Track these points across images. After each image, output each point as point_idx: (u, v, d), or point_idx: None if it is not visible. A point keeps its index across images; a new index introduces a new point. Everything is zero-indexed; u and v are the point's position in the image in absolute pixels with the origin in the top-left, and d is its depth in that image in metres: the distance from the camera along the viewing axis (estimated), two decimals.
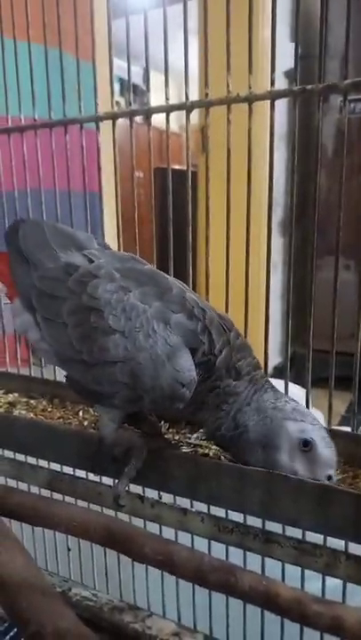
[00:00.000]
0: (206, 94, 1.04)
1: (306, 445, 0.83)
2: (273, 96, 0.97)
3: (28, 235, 1.01)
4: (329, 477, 0.83)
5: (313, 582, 1.02)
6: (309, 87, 0.95)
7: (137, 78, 5.28)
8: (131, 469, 0.95)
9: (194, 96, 1.08)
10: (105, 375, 0.89)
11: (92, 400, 0.98)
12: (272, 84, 0.98)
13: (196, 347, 0.86)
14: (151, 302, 0.87)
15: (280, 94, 0.97)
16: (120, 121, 1.18)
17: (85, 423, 1.20)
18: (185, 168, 1.14)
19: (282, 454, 0.84)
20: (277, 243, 3.65)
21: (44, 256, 0.97)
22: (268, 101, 0.98)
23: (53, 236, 1.00)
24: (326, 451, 0.83)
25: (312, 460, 0.83)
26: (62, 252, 0.97)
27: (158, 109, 1.10)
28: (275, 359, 0.98)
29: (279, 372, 1.15)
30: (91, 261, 0.95)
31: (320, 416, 1.92)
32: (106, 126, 1.20)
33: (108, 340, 0.87)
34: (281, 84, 1.00)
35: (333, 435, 0.99)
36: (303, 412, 0.86)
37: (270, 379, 1.07)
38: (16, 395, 1.39)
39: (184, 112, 1.07)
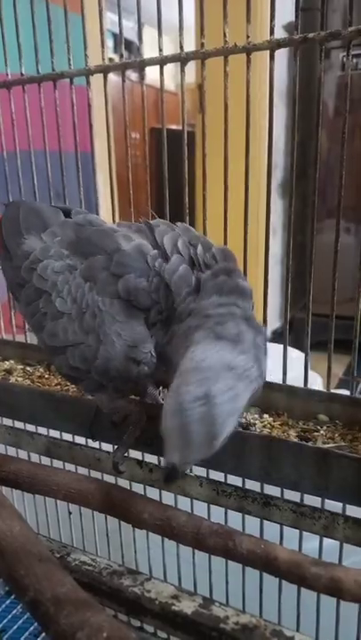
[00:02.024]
0: (202, 44, 0.98)
1: None
2: (272, 46, 0.92)
3: (6, 221, 0.97)
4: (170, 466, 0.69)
5: (310, 542, 1.03)
6: (311, 35, 0.89)
7: (131, 34, 5.07)
8: (129, 436, 0.95)
9: (190, 49, 1.02)
10: (62, 362, 0.84)
11: (72, 384, 0.94)
12: (271, 32, 0.92)
13: (149, 306, 0.77)
14: (97, 275, 0.80)
15: (280, 44, 0.91)
16: (113, 79, 1.12)
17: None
18: (181, 128, 1.09)
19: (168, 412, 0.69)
20: (277, 205, 3.57)
21: (16, 244, 0.93)
22: (267, 53, 0.93)
23: (25, 219, 0.95)
24: (175, 424, 0.66)
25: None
26: (28, 236, 0.92)
27: (152, 61, 1.04)
28: (274, 323, 0.96)
29: (278, 336, 1.13)
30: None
31: (318, 379, 1.92)
32: (97, 82, 1.14)
33: (57, 324, 0.83)
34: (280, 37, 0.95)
35: (332, 398, 0.99)
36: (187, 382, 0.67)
37: (270, 343, 1.06)
38: (12, 362, 1.38)
39: (179, 70, 1.01)
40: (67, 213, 0.97)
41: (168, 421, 0.66)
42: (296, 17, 0.95)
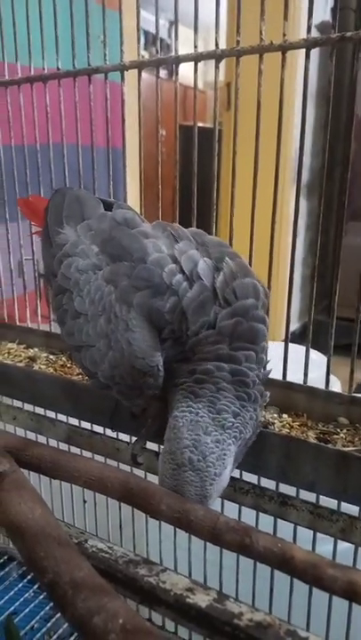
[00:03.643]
0: (238, 42, 0.97)
1: None
2: (309, 44, 0.91)
3: (52, 208, 0.97)
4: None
5: (323, 546, 1.03)
6: (349, 34, 0.88)
7: (162, 32, 5.08)
8: (148, 429, 0.96)
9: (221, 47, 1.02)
10: (77, 359, 0.86)
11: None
12: (308, 30, 0.91)
13: (162, 326, 0.76)
14: (119, 281, 0.78)
15: (317, 42, 0.90)
16: (145, 77, 1.13)
17: None
18: (208, 126, 1.10)
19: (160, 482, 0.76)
20: (300, 206, 3.55)
21: (56, 233, 0.93)
22: (298, 54, 0.92)
23: (67, 207, 0.94)
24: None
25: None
26: (65, 226, 0.92)
27: (186, 58, 1.04)
28: (292, 325, 0.95)
29: (296, 338, 1.13)
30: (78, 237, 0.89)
31: (337, 383, 1.91)
32: (130, 78, 1.15)
33: (74, 323, 0.83)
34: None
35: (353, 401, 0.98)
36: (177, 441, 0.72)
37: (291, 344, 1.06)
38: (36, 350, 1.40)
39: (209, 68, 1.01)
40: (108, 206, 0.95)
41: (165, 484, 0.73)
42: (334, 16, 0.95)
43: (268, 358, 0.82)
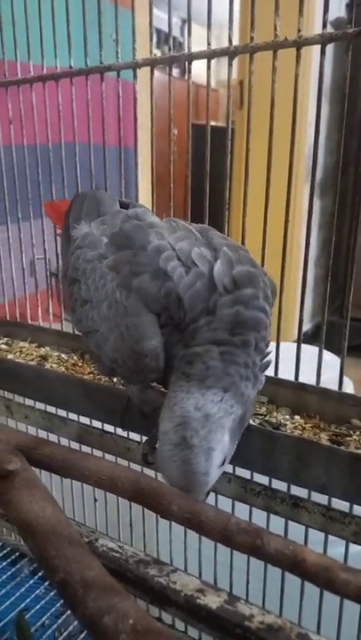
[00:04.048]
0: (252, 38, 0.97)
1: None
2: (324, 40, 0.90)
3: (74, 207, 1.00)
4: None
5: (334, 548, 1.02)
6: None
7: (175, 30, 5.08)
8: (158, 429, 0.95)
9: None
10: (85, 345, 0.89)
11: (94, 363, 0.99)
12: (324, 25, 0.90)
13: (157, 311, 0.77)
14: (120, 268, 0.80)
15: (333, 38, 0.89)
16: (157, 76, 1.12)
17: (115, 379, 1.20)
18: (220, 124, 1.09)
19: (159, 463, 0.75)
20: (313, 204, 3.53)
21: (72, 229, 0.96)
22: (311, 51, 0.91)
23: (88, 205, 0.98)
24: (168, 473, 0.73)
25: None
26: (81, 222, 0.96)
27: (199, 55, 1.04)
28: (304, 325, 0.94)
29: (308, 339, 1.12)
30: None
31: (350, 384, 1.89)
32: (143, 77, 1.15)
33: (82, 310, 0.87)
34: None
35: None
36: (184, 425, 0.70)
37: (303, 345, 1.05)
38: (48, 349, 1.40)
39: (221, 67, 1.01)
40: (125, 206, 0.99)
41: (164, 465, 0.72)
42: (351, 10, 0.94)
43: (270, 349, 0.81)
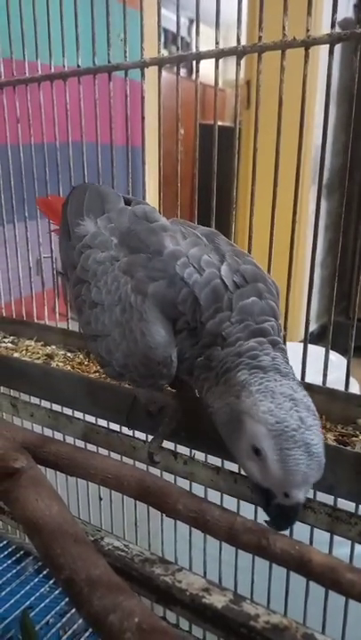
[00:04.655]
0: (260, 37, 0.96)
1: (257, 453, 0.67)
2: (333, 40, 0.90)
3: (73, 200, 0.98)
4: (286, 495, 0.66)
5: (339, 549, 1.02)
6: None
7: (182, 30, 5.08)
8: (165, 428, 0.95)
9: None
10: (93, 348, 0.87)
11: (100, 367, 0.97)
12: (333, 25, 0.90)
13: (175, 317, 0.77)
14: (135, 272, 0.80)
15: (341, 38, 0.89)
16: (164, 75, 1.12)
17: None
18: (228, 124, 1.09)
19: (239, 451, 0.71)
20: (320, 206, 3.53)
21: (76, 224, 0.94)
22: (319, 51, 0.91)
23: (89, 200, 0.96)
24: (277, 466, 0.64)
25: (266, 469, 0.67)
26: (86, 218, 0.93)
27: (208, 54, 1.03)
28: (311, 326, 0.94)
29: (314, 339, 1.12)
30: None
31: (356, 385, 1.88)
32: (150, 76, 1.15)
33: (91, 313, 0.85)
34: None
35: None
36: (279, 405, 0.67)
37: (309, 345, 1.05)
38: (54, 347, 1.41)
39: (228, 67, 1.01)
40: (128, 203, 0.97)
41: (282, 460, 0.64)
42: (358, 10, 0.93)
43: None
